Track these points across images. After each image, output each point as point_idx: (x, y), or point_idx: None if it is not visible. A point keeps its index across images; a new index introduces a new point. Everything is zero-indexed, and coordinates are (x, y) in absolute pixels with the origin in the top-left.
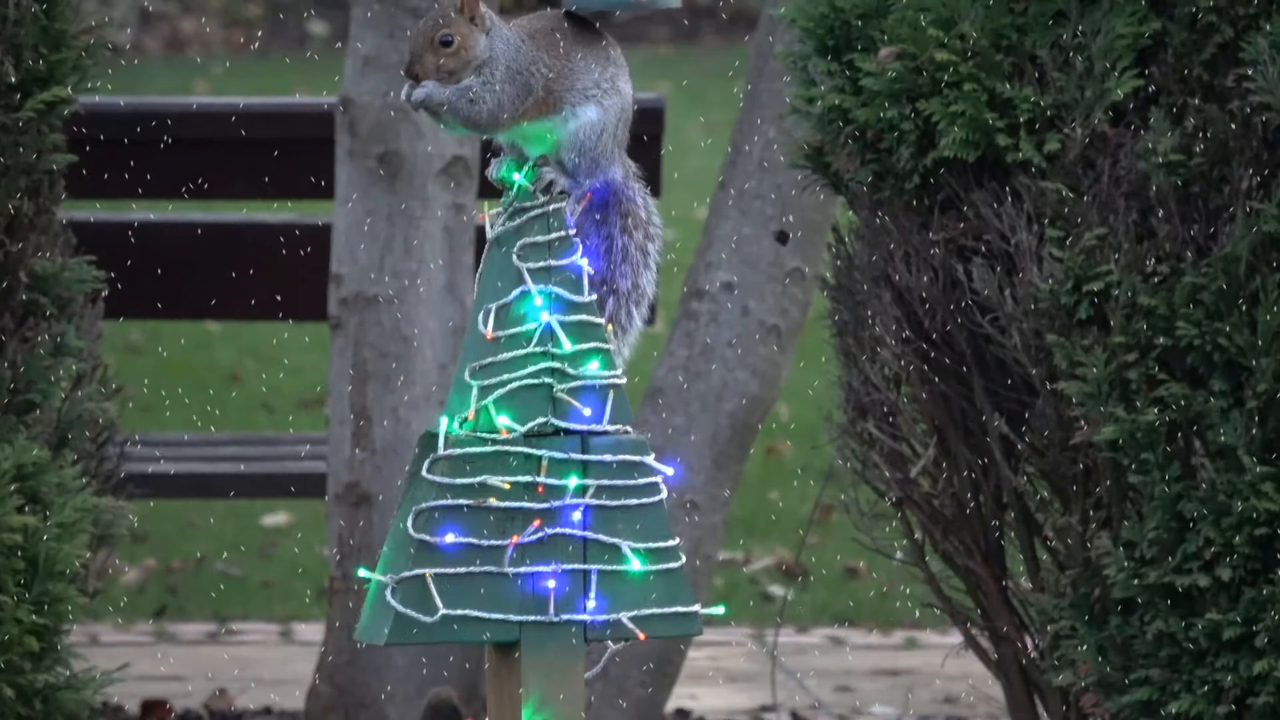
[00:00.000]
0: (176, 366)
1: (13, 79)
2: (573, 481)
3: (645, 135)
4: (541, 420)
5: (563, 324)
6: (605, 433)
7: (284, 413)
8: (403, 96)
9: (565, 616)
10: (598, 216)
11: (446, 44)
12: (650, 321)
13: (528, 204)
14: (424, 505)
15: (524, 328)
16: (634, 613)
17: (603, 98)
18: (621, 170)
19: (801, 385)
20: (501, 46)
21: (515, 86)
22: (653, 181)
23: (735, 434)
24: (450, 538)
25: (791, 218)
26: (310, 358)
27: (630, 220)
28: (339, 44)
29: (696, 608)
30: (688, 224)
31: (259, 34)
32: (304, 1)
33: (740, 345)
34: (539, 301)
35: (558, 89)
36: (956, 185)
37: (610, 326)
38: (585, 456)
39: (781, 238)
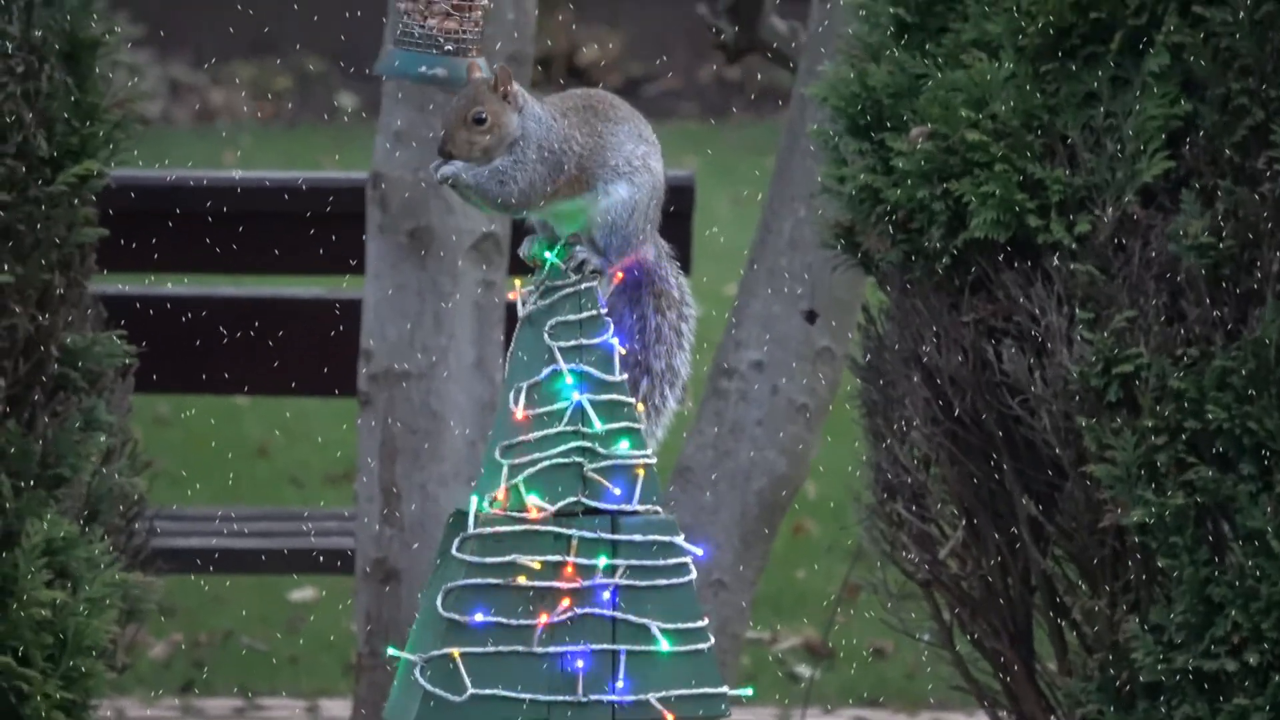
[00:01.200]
0: (204, 440)
1: (45, 153)
2: (602, 561)
3: (676, 211)
4: (572, 500)
5: (594, 403)
6: (635, 513)
7: (312, 487)
8: (431, 168)
9: (594, 697)
10: (631, 296)
11: (479, 121)
12: (681, 401)
13: (559, 282)
14: (453, 584)
15: (555, 406)
16: (662, 693)
17: (634, 175)
18: (654, 250)
19: (830, 463)
20: (534, 125)
21: (547, 165)
22: (683, 257)
23: (763, 513)
24: (479, 617)
25: (821, 297)
26: (339, 431)
27: (664, 300)
28: (368, 116)
29: (724, 689)
30: (717, 299)
31: (288, 105)
32: (333, 73)
33: (769, 424)
34: (570, 380)
35: (590, 166)
36: (987, 266)
37: (642, 406)
38: (615, 536)
39: (811, 317)
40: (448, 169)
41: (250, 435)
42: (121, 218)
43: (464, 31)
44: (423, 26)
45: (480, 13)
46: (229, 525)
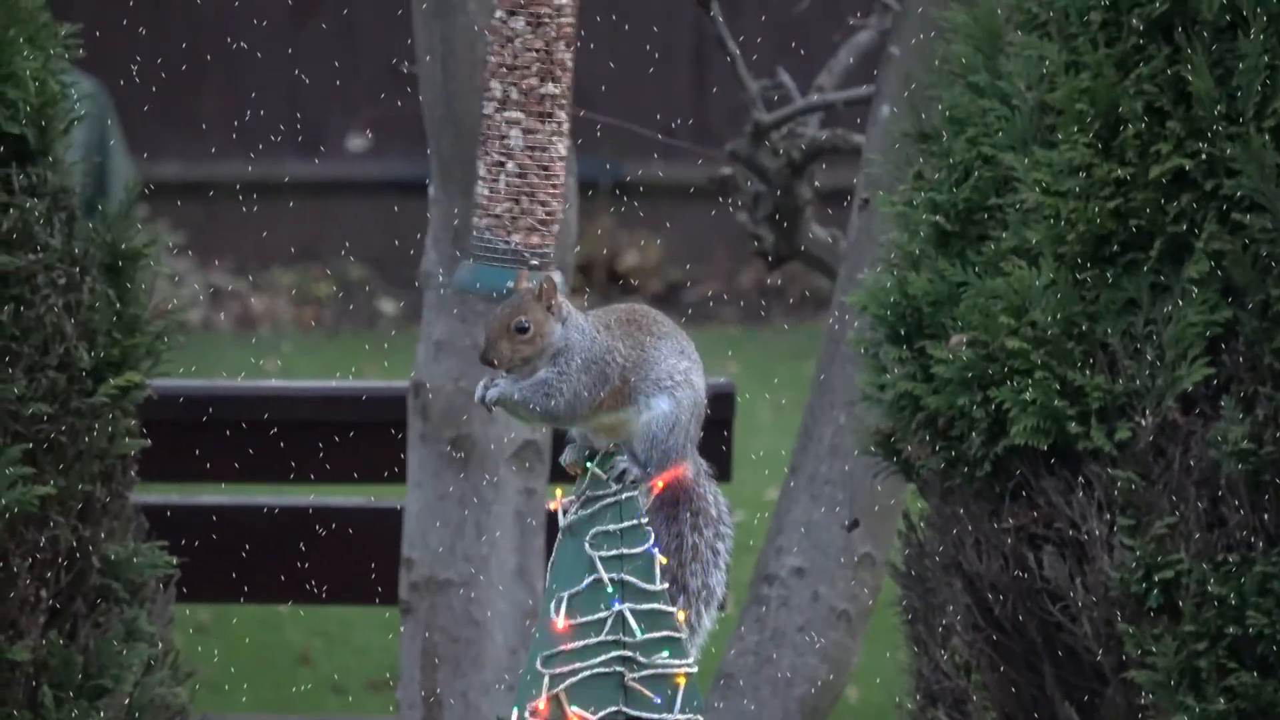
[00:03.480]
0: (246, 647)
1: (87, 364)
2: None
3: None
4: (613, 709)
5: (635, 612)
6: None
7: (354, 695)
8: (476, 398)
9: None
10: (668, 514)
11: (522, 331)
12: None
13: (600, 492)
14: None
15: (596, 615)
16: None
17: (676, 390)
18: (693, 467)
19: (871, 668)
20: (577, 336)
21: (591, 376)
22: (723, 463)
23: (805, 719)
24: None
25: (862, 503)
26: (380, 638)
27: (701, 518)
28: (408, 323)
29: None
30: (757, 504)
31: (329, 312)
32: (374, 280)
33: (810, 630)
34: (611, 589)
35: (633, 379)
36: (1027, 472)
37: (683, 615)
38: None
39: (852, 525)
40: (492, 392)
41: (292, 642)
42: (162, 426)
43: (545, 245)
44: (506, 242)
45: (558, 226)
46: None
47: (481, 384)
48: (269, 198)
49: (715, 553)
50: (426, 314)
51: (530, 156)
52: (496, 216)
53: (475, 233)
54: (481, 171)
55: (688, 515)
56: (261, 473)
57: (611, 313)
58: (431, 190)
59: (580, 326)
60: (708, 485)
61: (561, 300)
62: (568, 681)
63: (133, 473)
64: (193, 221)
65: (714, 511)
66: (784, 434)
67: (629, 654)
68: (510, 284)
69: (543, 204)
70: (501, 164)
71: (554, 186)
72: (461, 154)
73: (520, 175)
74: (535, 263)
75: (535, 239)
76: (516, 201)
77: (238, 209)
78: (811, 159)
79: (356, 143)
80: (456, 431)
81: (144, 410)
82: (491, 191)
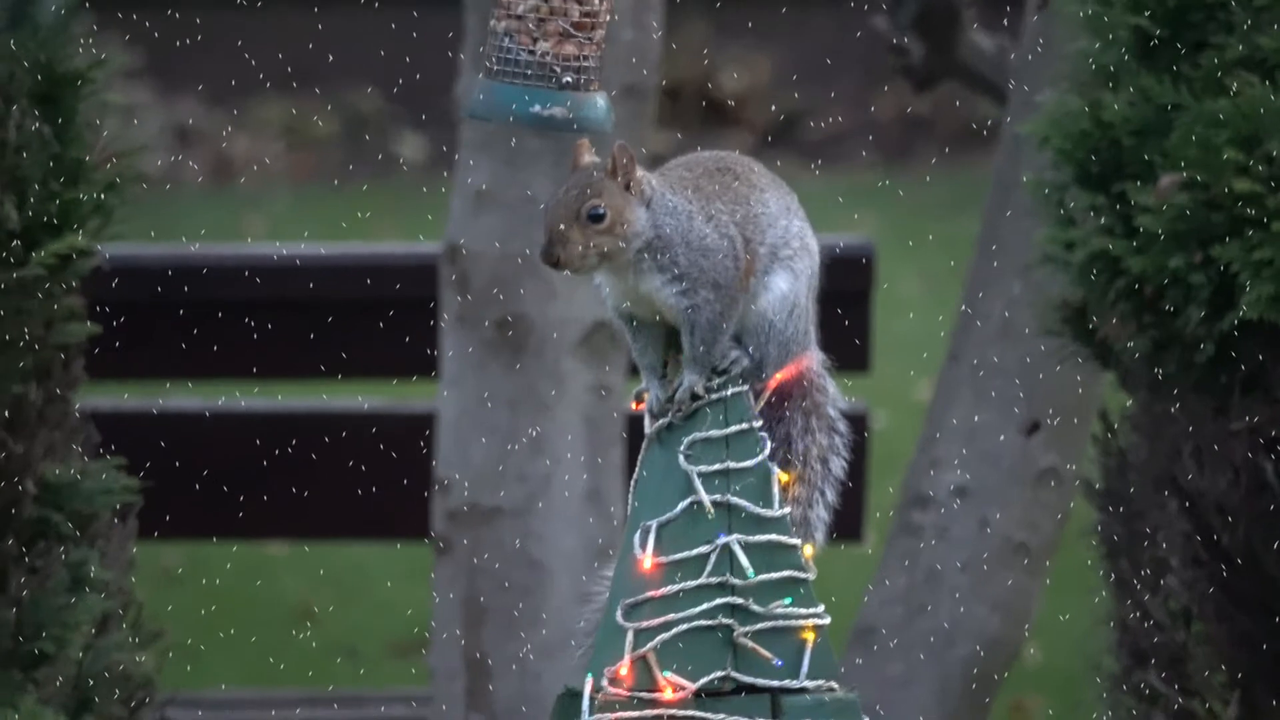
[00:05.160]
0: (230, 601)
1: (15, 224)
2: None
3: (848, 292)
4: (719, 675)
5: (746, 546)
6: (803, 690)
7: (373, 661)
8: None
9: None
10: (773, 412)
11: (596, 219)
12: (859, 538)
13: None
14: None
15: (695, 552)
16: None
17: (794, 261)
18: (816, 356)
19: (1057, 622)
20: (670, 221)
21: (712, 260)
22: (859, 351)
23: (971, 687)
24: None
25: (1043, 401)
26: (407, 588)
27: (815, 421)
28: (439, 169)
29: None
30: (903, 407)
31: (332, 156)
32: (391, 114)
33: (977, 569)
34: (714, 516)
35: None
36: (1264, 356)
37: (811, 549)
38: None
39: (1030, 429)
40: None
41: (289, 595)
42: (116, 307)
43: (585, 57)
44: (531, 52)
45: (603, 31)
46: (262, 713)
47: (648, 394)
48: (251, 6)
49: (826, 465)
50: (463, 153)
51: None
52: (518, 18)
53: (492, 39)
54: None
55: (799, 416)
56: (246, 369)
57: (692, 166)
58: None
59: (670, 205)
60: (828, 378)
61: (643, 175)
62: (658, 639)
63: (78, 368)
64: (152, 39)
65: (831, 412)
66: (937, 310)
67: (739, 602)
68: (538, 108)
69: (579, 1)
70: None
71: None
72: None
73: None
74: (568, 79)
75: (569, 48)
76: None
77: (211, 21)
78: None
79: None
80: (505, 310)
81: (91, 286)
82: None
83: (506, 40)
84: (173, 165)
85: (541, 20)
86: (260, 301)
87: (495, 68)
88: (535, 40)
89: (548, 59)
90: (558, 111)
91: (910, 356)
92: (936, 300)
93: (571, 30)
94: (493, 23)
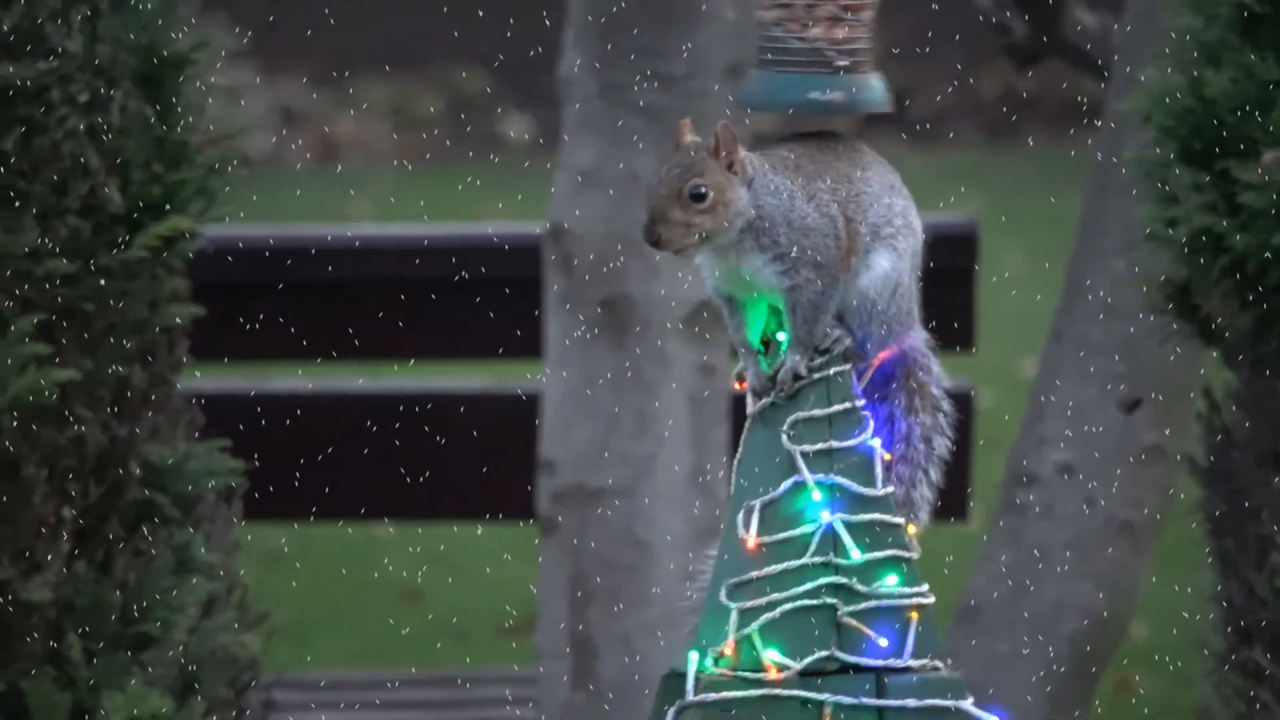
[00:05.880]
0: (336, 582)
1: (119, 208)
2: None
3: (952, 270)
4: (823, 654)
5: (850, 526)
6: (907, 669)
7: (479, 641)
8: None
9: None
10: (877, 393)
11: (698, 198)
12: (964, 516)
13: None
14: None
15: (798, 531)
16: None
17: (896, 239)
18: (920, 334)
19: (1163, 599)
20: (772, 200)
21: (813, 239)
22: (964, 331)
23: (1077, 665)
24: None
25: (1147, 379)
26: (513, 568)
27: (919, 400)
28: (544, 148)
29: None
30: (1009, 385)
31: (437, 136)
32: (497, 94)
33: (1082, 547)
34: (818, 496)
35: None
36: None
37: (914, 529)
38: (882, 702)
39: (1132, 405)
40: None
41: (396, 576)
42: (220, 289)
43: (856, 39)
44: (802, 39)
45: (872, 12)
46: (369, 694)
47: (747, 370)
48: None
49: (930, 444)
50: (567, 135)
51: None
52: (787, 6)
53: (761, 29)
54: None
55: (903, 395)
56: (351, 349)
57: (793, 146)
58: None
59: (772, 185)
60: (932, 358)
61: (745, 155)
62: (762, 618)
63: (182, 351)
64: (257, 19)
65: (936, 390)
66: (1041, 288)
67: (843, 581)
68: (816, 94)
69: None
70: None
71: None
72: None
73: None
74: (843, 63)
75: (840, 31)
76: None
77: (316, 2)
78: None
79: None
80: (609, 290)
81: (195, 268)
82: None
83: (777, 29)
84: (278, 146)
85: (810, 6)
86: (364, 282)
87: (767, 58)
88: (806, 27)
89: (820, 44)
90: (836, 96)
91: (1015, 334)
92: (1041, 278)
93: (841, 14)
94: (760, 14)
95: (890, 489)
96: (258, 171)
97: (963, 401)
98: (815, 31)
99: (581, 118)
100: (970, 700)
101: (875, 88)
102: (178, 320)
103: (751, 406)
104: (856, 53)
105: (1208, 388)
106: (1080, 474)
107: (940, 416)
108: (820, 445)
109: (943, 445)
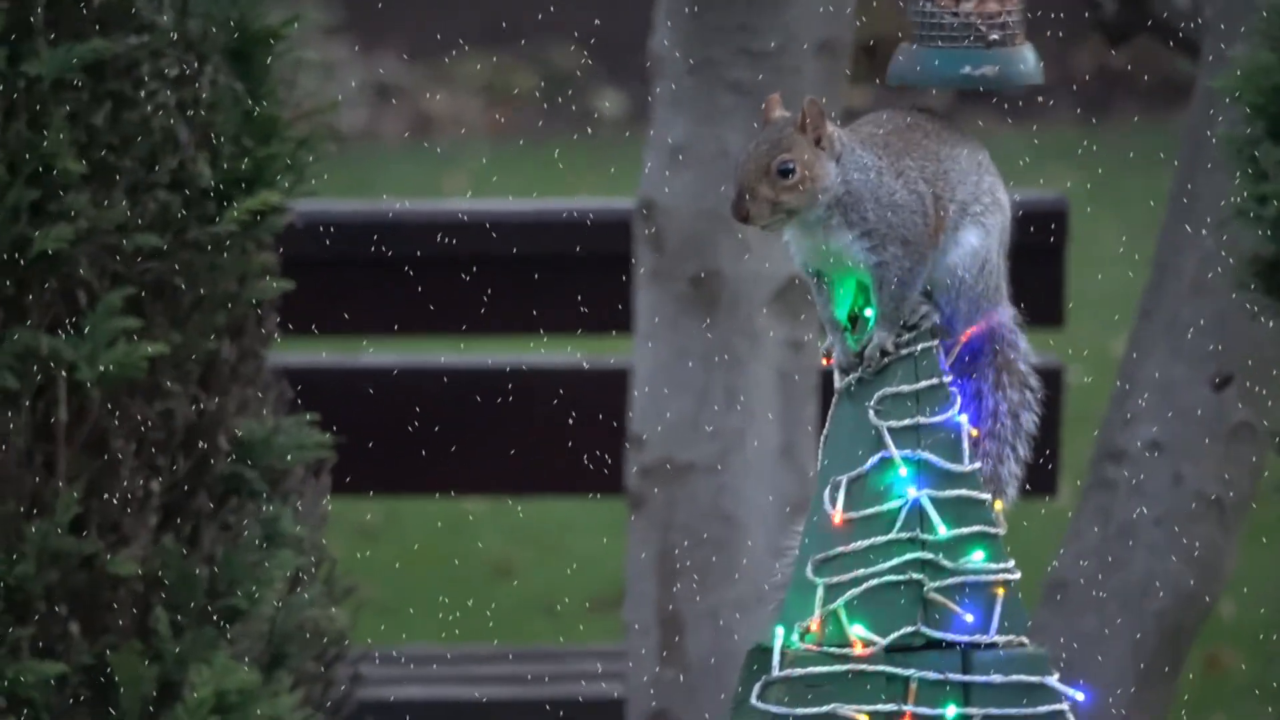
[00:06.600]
0: (427, 557)
1: (208, 182)
2: (951, 711)
3: (1043, 247)
4: (909, 630)
5: (936, 502)
6: (993, 645)
7: (568, 617)
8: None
9: None
10: (965, 369)
11: (786, 174)
12: (1053, 493)
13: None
14: None
15: (885, 507)
16: None
17: (985, 216)
18: (1008, 311)
19: (1253, 576)
20: (860, 177)
21: (901, 216)
22: (1053, 308)
23: (1165, 641)
24: None
25: (1237, 355)
26: (602, 544)
27: (1006, 376)
28: (636, 125)
29: None
30: (1100, 362)
31: (531, 113)
32: (591, 70)
33: (1171, 523)
34: (904, 472)
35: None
36: None
37: (1000, 505)
38: (967, 677)
39: (1223, 382)
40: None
41: (486, 550)
42: (310, 264)
43: (1008, 12)
44: (955, 14)
45: None
46: (458, 669)
47: (835, 346)
48: None
49: (1017, 419)
50: (658, 110)
51: None
52: None
53: (911, 4)
54: None
55: (991, 370)
56: (441, 324)
57: (881, 123)
58: None
59: (861, 162)
60: (1020, 334)
61: (833, 130)
62: (849, 594)
63: (272, 325)
64: None
65: (1023, 366)
66: (1133, 267)
67: (929, 557)
68: (969, 69)
69: None
70: None
71: None
72: None
73: None
74: (995, 36)
75: (991, 5)
76: None
77: None
78: None
79: None
80: (699, 266)
81: (285, 242)
82: None
83: (929, 4)
84: (372, 121)
85: None
86: (456, 257)
87: (920, 33)
88: (958, 2)
89: (972, 19)
90: (989, 70)
91: (1107, 311)
92: (1134, 255)
93: None
94: None
95: (977, 465)
96: (351, 147)
97: (1052, 378)
98: (967, 6)
99: (673, 94)
100: (1055, 676)
101: (1027, 60)
102: (267, 295)
103: (839, 382)
104: (1008, 25)
105: None
106: (1169, 451)
107: (1028, 393)
108: (907, 421)
109: (1030, 421)
